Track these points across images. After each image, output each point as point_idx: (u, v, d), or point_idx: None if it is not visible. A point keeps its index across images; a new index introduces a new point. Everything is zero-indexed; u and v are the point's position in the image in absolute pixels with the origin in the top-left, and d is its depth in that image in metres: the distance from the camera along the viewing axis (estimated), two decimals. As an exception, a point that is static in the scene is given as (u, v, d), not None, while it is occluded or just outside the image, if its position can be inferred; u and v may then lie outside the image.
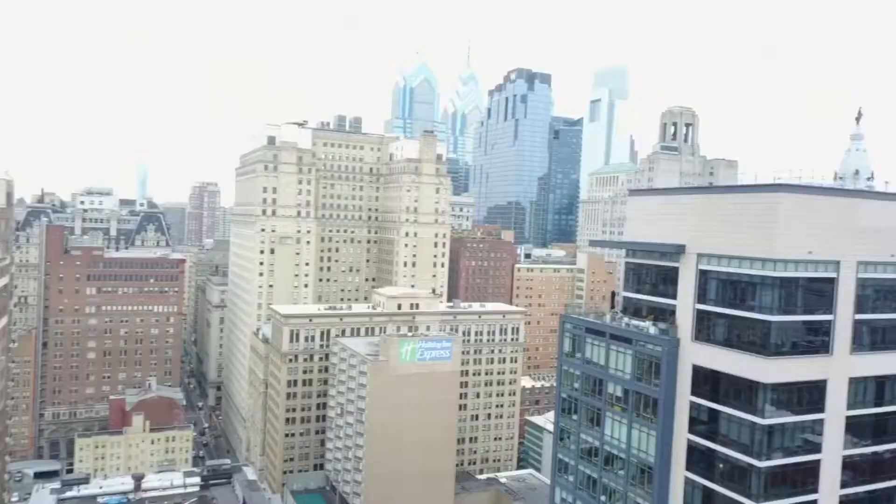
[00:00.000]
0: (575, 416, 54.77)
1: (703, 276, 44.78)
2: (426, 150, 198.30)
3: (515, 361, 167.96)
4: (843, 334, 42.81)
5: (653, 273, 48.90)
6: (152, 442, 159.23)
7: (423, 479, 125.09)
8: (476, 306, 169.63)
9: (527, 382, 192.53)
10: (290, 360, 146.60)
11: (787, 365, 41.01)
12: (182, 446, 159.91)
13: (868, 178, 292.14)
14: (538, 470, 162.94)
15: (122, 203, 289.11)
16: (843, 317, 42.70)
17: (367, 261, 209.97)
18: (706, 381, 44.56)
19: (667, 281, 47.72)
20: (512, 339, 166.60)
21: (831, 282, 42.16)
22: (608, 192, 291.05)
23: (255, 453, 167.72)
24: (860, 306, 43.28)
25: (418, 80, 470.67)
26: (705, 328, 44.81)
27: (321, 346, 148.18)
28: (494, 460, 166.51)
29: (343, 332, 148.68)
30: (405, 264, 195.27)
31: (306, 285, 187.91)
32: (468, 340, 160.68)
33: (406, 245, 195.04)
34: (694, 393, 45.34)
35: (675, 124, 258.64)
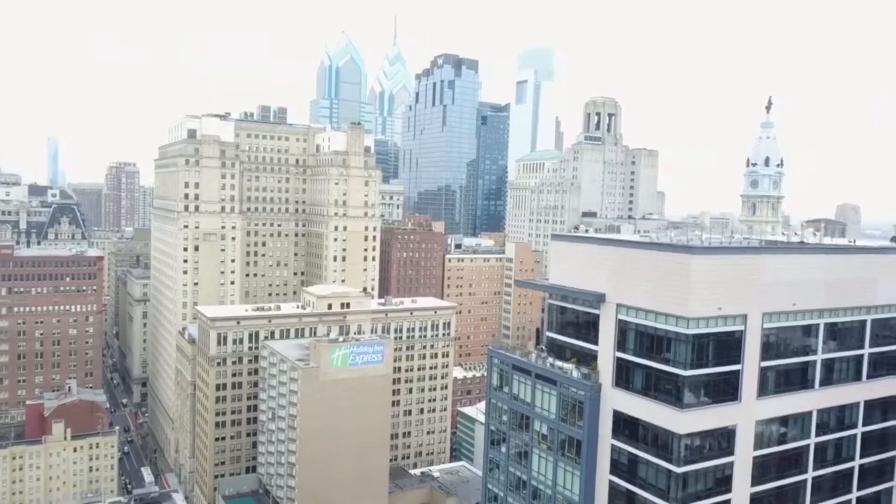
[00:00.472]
0: (504, 449, 56.61)
1: (623, 325, 46.88)
2: (354, 143, 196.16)
3: (447, 356, 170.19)
4: (750, 381, 45.84)
5: (575, 317, 50.76)
6: (75, 450, 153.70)
7: (358, 481, 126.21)
8: (407, 302, 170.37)
9: (458, 373, 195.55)
10: (219, 364, 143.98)
11: (699, 415, 43.68)
12: (107, 453, 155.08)
13: (778, 165, 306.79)
14: (471, 461, 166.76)
15: (32, 191, 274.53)
16: (750, 365, 45.68)
17: (296, 254, 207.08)
18: (626, 426, 46.93)
19: (589, 326, 49.66)
20: (444, 334, 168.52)
21: (739, 334, 44.95)
22: (534, 179, 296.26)
23: (185, 455, 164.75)
24: (765, 354, 46.35)
25: (344, 59, 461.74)
26: (625, 376, 47.05)
27: (250, 348, 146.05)
28: (428, 454, 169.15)
29: (272, 333, 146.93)
30: (335, 259, 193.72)
31: (233, 282, 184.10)
32: (400, 337, 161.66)
33: (335, 239, 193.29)
34: (615, 437, 47.70)
35: (598, 114, 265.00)
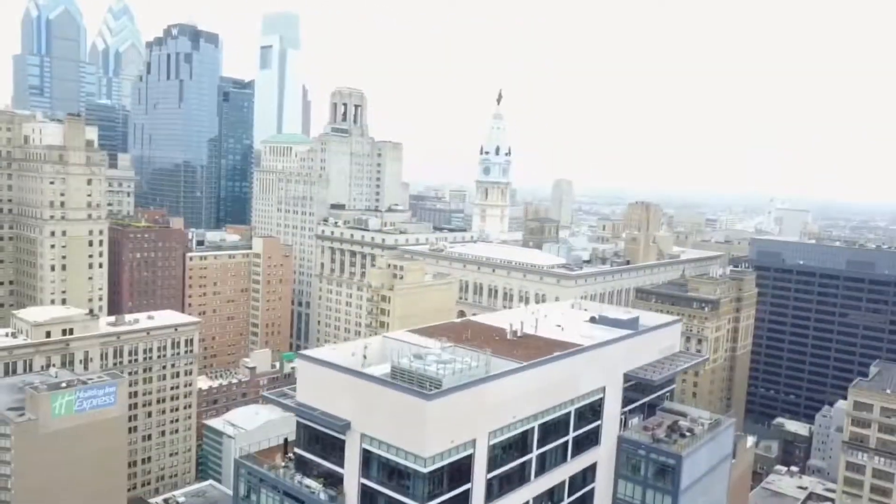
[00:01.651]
0: (253, 557, 56.51)
1: (367, 454, 49.13)
2: (73, 137, 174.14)
3: (190, 374, 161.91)
4: (478, 494, 51.06)
5: (324, 437, 52.00)
6: None
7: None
8: (143, 319, 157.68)
9: (203, 383, 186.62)
10: None
11: (434, 539, 47.90)
12: None
13: (506, 154, 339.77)
14: (219, 478, 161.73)
15: None
16: (479, 480, 50.84)
17: (1, 262, 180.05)
18: (372, 548, 49.73)
19: (335, 448, 51.23)
20: (186, 351, 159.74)
21: (469, 457, 49.86)
22: (281, 163, 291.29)
23: None
24: (491, 467, 52.05)
25: (57, 11, 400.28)
26: (369, 502, 49.67)
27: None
28: (171, 476, 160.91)
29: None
30: (53, 268, 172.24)
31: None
32: (135, 360, 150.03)
33: (53, 246, 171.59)
34: (362, 558, 50.29)
35: (345, 105, 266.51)
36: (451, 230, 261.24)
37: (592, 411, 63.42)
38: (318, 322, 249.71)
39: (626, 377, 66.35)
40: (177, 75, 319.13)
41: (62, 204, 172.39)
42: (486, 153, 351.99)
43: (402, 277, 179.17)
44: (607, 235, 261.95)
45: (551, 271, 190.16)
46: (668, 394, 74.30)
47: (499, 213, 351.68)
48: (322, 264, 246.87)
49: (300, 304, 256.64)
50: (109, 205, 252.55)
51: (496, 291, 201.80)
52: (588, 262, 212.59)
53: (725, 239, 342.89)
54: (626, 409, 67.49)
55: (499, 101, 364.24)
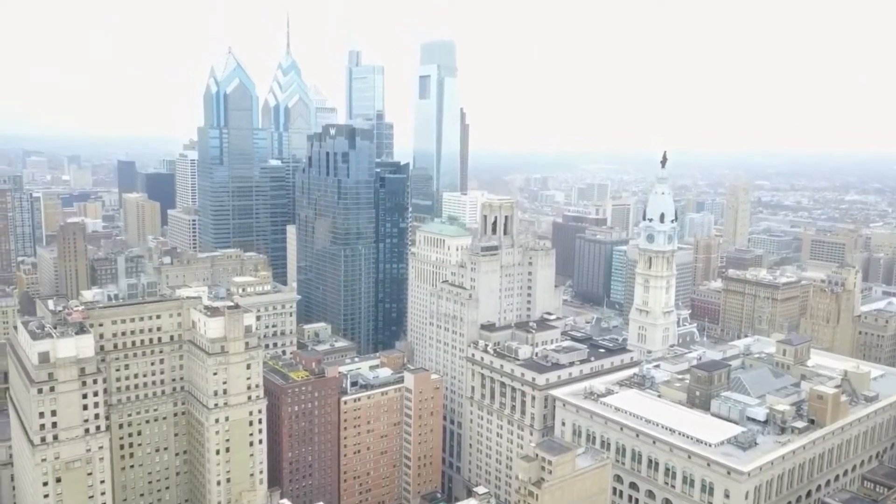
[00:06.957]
0: None
1: None
2: (233, 328, 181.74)
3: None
4: None
5: None
6: None
7: None
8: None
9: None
10: None
11: None
12: None
13: (672, 220, 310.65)
14: None
15: None
16: None
17: (176, 434, 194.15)
18: None
19: None
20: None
21: None
22: (435, 254, 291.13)
23: None
24: None
25: (233, 85, 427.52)
26: None
27: None
28: None
29: None
30: (218, 452, 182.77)
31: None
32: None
33: (217, 432, 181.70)
34: None
35: (495, 217, 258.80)
36: (611, 351, 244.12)
37: None
38: (470, 446, 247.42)
39: None
40: (335, 173, 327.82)
41: (224, 392, 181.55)
42: (650, 220, 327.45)
43: (551, 472, 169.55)
44: (789, 361, 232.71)
45: (719, 461, 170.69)
46: None
47: (664, 285, 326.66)
48: (472, 388, 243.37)
49: (452, 422, 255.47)
50: (274, 326, 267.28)
51: (657, 465, 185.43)
52: (765, 423, 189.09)
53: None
54: None
55: (663, 163, 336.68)
